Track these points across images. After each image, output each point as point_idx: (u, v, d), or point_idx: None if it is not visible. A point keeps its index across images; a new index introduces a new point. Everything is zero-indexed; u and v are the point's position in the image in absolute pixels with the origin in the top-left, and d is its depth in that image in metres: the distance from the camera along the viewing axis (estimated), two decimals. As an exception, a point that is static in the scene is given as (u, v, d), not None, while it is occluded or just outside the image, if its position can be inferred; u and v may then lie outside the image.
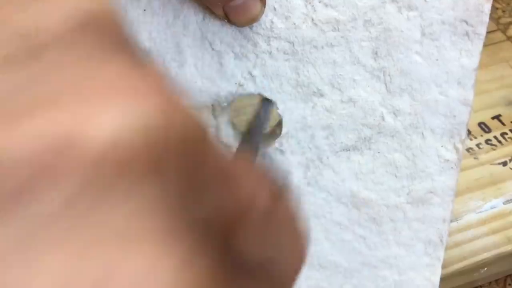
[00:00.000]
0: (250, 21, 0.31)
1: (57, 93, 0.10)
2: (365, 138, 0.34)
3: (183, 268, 0.10)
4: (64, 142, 0.09)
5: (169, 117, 0.10)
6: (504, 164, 0.48)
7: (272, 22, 0.33)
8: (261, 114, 0.33)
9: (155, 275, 0.10)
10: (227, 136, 0.35)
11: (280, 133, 0.35)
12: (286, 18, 0.32)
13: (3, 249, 0.09)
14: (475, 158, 0.49)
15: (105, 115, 0.09)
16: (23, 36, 0.10)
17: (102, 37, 0.11)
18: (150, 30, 0.32)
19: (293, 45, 0.33)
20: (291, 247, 0.14)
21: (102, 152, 0.09)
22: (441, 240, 0.36)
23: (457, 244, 0.44)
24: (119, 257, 0.10)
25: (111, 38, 0.11)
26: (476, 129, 0.51)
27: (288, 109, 0.34)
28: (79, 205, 0.09)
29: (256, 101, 0.35)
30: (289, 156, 0.35)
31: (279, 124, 0.35)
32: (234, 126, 0.36)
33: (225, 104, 0.34)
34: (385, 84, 0.34)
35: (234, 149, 0.25)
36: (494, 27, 0.59)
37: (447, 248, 0.43)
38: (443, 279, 0.42)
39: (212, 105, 0.34)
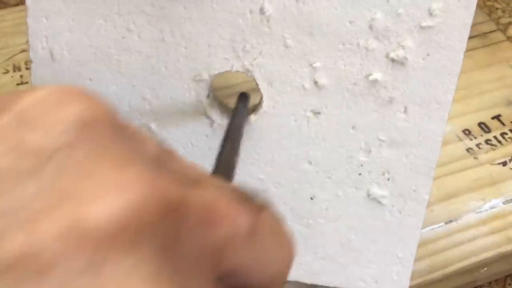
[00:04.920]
0: None
1: (61, 195, 0.13)
2: None
3: None
4: (73, 229, 0.13)
5: (148, 202, 0.13)
6: (504, 164, 0.48)
7: None
8: (240, 112, 0.33)
9: None
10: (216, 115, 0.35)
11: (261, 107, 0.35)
12: None
13: None
14: (475, 158, 0.49)
15: (101, 206, 0.13)
16: (32, 151, 0.14)
17: (96, 141, 0.14)
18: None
19: None
20: (280, 251, 0.16)
21: (100, 231, 0.13)
22: None
23: (457, 244, 0.44)
24: None
25: (104, 139, 0.14)
26: (476, 129, 0.51)
27: None
28: (89, 272, 0.13)
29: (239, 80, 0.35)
30: None
31: (261, 99, 0.35)
32: (224, 105, 0.36)
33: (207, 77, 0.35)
34: None
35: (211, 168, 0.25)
36: (494, 27, 0.59)
37: (446, 248, 0.43)
38: (443, 279, 0.42)
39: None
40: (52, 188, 0.13)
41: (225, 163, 0.26)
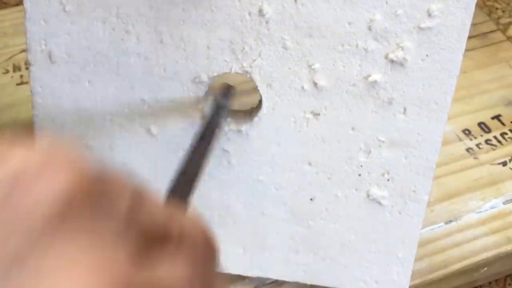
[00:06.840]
0: None
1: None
2: None
3: None
4: None
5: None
6: (504, 164, 0.48)
7: None
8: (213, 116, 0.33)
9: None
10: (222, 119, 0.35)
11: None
12: None
13: None
14: (475, 158, 0.49)
15: None
16: (22, 227, 0.15)
17: (73, 222, 0.16)
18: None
19: None
20: (205, 254, 0.19)
21: None
22: None
23: (457, 244, 0.44)
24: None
25: (80, 219, 0.16)
26: (476, 129, 0.51)
27: None
28: None
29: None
30: None
31: (260, 102, 0.35)
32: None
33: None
34: None
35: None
36: (494, 27, 0.59)
37: (446, 248, 0.43)
38: (443, 279, 0.43)
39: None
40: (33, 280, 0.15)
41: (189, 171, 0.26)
